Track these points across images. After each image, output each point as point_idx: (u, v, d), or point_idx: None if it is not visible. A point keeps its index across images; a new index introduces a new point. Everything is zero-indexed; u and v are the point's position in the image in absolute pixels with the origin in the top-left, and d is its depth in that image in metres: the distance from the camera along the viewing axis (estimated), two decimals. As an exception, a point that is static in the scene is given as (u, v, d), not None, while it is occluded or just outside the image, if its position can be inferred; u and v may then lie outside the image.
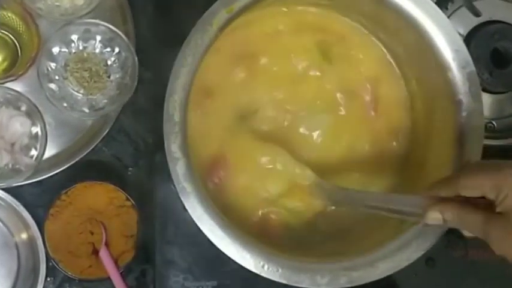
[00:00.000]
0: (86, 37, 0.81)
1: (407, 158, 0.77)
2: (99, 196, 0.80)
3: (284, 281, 0.65)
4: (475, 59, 0.70)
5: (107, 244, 0.80)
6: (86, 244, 0.79)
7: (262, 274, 0.65)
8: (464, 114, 0.69)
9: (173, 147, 0.65)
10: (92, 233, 0.80)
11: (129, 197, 0.80)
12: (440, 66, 0.69)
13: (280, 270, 0.65)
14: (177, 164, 0.65)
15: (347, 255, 0.68)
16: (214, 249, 0.66)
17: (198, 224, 0.65)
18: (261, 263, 0.65)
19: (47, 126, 0.79)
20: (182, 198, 0.65)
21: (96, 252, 0.80)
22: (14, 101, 0.79)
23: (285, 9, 0.76)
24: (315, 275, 0.66)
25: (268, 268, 0.65)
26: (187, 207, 0.65)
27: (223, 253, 0.66)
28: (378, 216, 0.65)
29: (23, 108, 0.79)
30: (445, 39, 0.69)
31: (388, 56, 0.78)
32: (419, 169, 0.75)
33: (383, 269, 0.66)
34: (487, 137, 0.70)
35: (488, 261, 0.84)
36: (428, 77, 0.72)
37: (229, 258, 0.66)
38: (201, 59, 0.66)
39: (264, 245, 0.67)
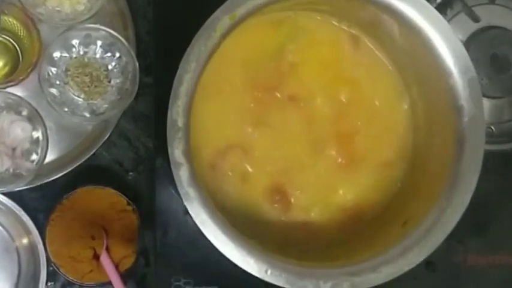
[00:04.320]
0: (87, 42, 0.81)
1: (408, 163, 0.78)
2: (100, 201, 0.80)
3: (287, 286, 0.65)
4: (474, 65, 0.70)
5: (107, 249, 0.80)
6: (86, 249, 0.79)
7: (266, 279, 0.65)
8: (465, 119, 0.69)
9: (176, 153, 0.65)
10: (93, 238, 0.80)
11: (130, 201, 0.80)
12: (442, 72, 0.69)
13: (283, 275, 0.65)
14: (180, 170, 0.65)
15: (350, 261, 0.68)
16: (215, 254, 0.66)
17: (202, 229, 0.65)
18: (265, 268, 0.65)
19: (48, 131, 0.79)
20: (186, 204, 0.65)
21: (97, 257, 0.80)
22: (15, 106, 0.79)
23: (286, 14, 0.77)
24: (318, 280, 0.66)
25: (271, 273, 0.65)
26: (191, 212, 0.65)
27: (224, 257, 0.66)
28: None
29: (24, 113, 0.79)
30: (446, 45, 0.69)
31: (388, 63, 0.79)
32: (420, 174, 0.76)
33: (385, 274, 0.67)
34: (485, 142, 0.70)
35: (487, 266, 0.85)
36: (429, 83, 0.73)
37: (231, 263, 0.66)
38: (204, 65, 0.66)
39: (268, 250, 0.67)
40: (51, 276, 0.83)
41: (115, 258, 0.80)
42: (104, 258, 0.79)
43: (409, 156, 0.78)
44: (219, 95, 0.75)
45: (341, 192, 0.76)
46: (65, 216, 0.79)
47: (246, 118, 0.76)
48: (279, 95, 0.76)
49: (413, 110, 0.77)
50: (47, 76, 0.80)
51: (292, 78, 0.77)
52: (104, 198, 0.80)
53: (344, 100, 0.77)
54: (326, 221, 0.76)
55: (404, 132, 0.78)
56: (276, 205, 0.75)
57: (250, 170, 0.75)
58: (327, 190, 0.76)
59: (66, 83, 0.81)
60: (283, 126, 0.76)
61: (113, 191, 0.80)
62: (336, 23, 0.78)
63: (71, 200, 0.80)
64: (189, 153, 0.65)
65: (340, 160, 0.76)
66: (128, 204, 0.80)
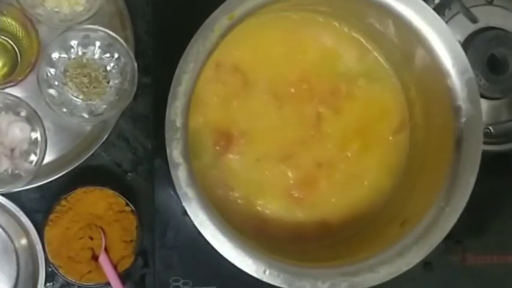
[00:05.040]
0: (85, 43, 0.81)
1: (406, 162, 0.78)
2: (98, 201, 0.80)
3: (285, 286, 0.65)
4: (472, 65, 0.71)
5: (106, 249, 0.80)
6: (85, 249, 0.79)
7: (264, 279, 0.65)
8: (463, 120, 0.69)
9: (175, 153, 0.65)
10: (92, 239, 0.80)
11: (128, 202, 0.80)
12: (440, 73, 0.69)
13: (281, 275, 0.65)
14: (178, 170, 0.65)
15: (348, 261, 0.68)
16: (214, 254, 0.66)
17: (200, 229, 0.65)
18: (263, 268, 0.65)
19: (47, 132, 0.79)
20: (184, 204, 0.65)
21: (95, 257, 0.79)
22: (13, 107, 0.79)
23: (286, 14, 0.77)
24: (316, 280, 0.66)
25: (269, 273, 0.65)
26: (189, 212, 0.65)
27: (223, 258, 0.66)
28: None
29: (23, 113, 0.79)
30: (445, 46, 0.69)
31: (386, 64, 0.79)
32: (418, 174, 0.76)
33: (384, 274, 0.67)
34: (483, 143, 0.70)
35: (484, 266, 0.85)
36: (427, 83, 0.73)
37: (229, 263, 0.66)
38: (202, 66, 0.66)
39: (266, 250, 0.67)
40: (50, 276, 0.83)
41: (114, 258, 0.80)
42: (103, 259, 0.79)
43: (408, 155, 0.78)
44: (285, 41, 0.78)
45: (266, 199, 0.77)
46: (64, 217, 0.79)
47: (273, 86, 0.77)
48: (313, 104, 0.77)
49: (412, 111, 0.78)
50: (45, 77, 0.80)
51: (337, 103, 0.78)
52: (103, 199, 0.80)
53: (348, 153, 0.78)
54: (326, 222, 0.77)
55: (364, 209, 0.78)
56: (217, 147, 0.76)
57: (233, 102, 0.76)
58: (259, 182, 0.76)
59: (64, 84, 0.81)
60: (287, 122, 0.77)
61: (112, 191, 0.80)
62: (337, 25, 0.79)
63: (70, 201, 0.79)
64: (187, 154, 0.66)
65: (293, 192, 0.77)
66: (127, 205, 0.80)
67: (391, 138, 0.78)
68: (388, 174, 0.78)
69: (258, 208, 0.76)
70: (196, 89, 0.68)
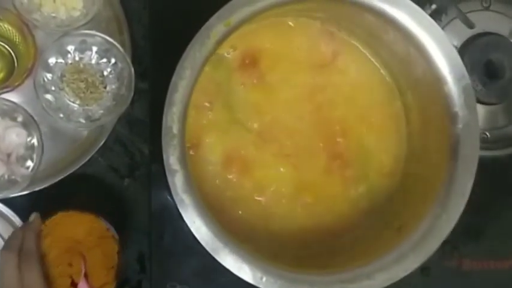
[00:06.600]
0: (82, 48, 0.81)
1: (403, 169, 0.78)
2: (78, 225, 0.76)
3: (281, 293, 0.66)
4: (469, 71, 0.71)
5: (86, 276, 0.74)
6: (64, 277, 0.74)
7: (260, 286, 0.65)
8: (459, 126, 0.69)
9: (171, 160, 0.65)
10: (71, 265, 0.74)
11: (110, 226, 0.77)
12: (436, 79, 0.70)
13: (278, 282, 0.66)
14: (175, 176, 0.65)
15: (345, 268, 0.68)
16: (211, 260, 0.66)
17: (196, 235, 0.65)
18: (259, 275, 0.65)
19: (43, 137, 0.79)
20: (181, 210, 0.65)
21: (74, 285, 0.74)
22: (10, 112, 0.79)
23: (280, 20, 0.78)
24: (313, 287, 0.66)
25: (266, 280, 0.65)
26: (185, 219, 0.65)
27: (219, 264, 0.66)
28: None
29: (19, 119, 0.79)
30: (441, 52, 0.69)
31: (382, 70, 0.79)
32: (415, 180, 0.76)
33: (380, 280, 0.67)
34: (480, 148, 0.70)
35: (481, 271, 0.85)
36: (424, 89, 0.73)
37: (226, 269, 0.66)
38: (199, 72, 0.66)
39: (262, 257, 0.67)
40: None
41: (94, 285, 0.75)
42: (82, 286, 0.74)
43: (404, 161, 0.78)
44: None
45: (221, 137, 0.77)
46: (42, 243, 0.74)
47: (328, 95, 0.79)
48: (324, 150, 0.78)
49: (408, 117, 0.78)
50: (42, 82, 0.80)
51: (335, 170, 0.78)
52: (83, 223, 0.76)
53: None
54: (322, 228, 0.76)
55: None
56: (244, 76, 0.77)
57: (300, 52, 0.78)
58: (230, 122, 0.77)
59: (61, 89, 0.81)
60: (300, 121, 0.78)
61: (93, 215, 0.76)
62: (335, 30, 0.79)
63: (48, 225, 0.75)
64: (184, 160, 0.66)
65: (232, 156, 0.77)
66: (108, 229, 0.76)
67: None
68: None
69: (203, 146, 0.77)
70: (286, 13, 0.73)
